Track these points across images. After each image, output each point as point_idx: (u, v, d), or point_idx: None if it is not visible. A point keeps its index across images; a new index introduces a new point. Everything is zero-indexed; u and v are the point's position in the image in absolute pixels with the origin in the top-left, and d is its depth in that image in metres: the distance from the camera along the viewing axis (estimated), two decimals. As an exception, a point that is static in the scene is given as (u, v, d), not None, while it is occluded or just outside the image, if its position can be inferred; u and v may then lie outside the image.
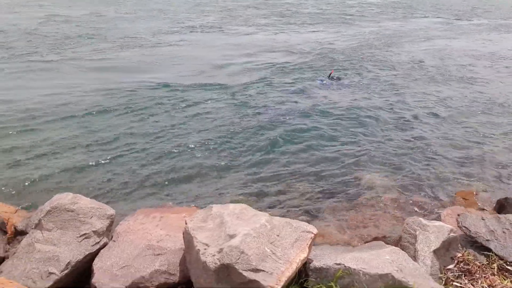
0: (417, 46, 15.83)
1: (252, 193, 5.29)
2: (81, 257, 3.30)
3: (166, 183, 5.50)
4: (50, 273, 3.15)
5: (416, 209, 4.85)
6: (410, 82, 10.65)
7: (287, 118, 7.80)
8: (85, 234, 3.46)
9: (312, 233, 2.93)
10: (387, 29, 20.25)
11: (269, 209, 4.82)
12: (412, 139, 7.02)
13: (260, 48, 14.90)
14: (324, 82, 10.27)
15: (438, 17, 26.43)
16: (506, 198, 4.72)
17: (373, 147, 6.66)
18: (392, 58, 13.58)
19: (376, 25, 21.79)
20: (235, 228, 2.83)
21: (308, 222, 4.55)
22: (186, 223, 3.16)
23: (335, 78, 10.53)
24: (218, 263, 2.55)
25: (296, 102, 8.83)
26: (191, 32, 18.20)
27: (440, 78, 11.11)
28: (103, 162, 5.96)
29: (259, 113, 8.08)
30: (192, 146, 6.55)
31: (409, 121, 7.89)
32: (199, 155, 6.26)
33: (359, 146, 6.72)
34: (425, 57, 13.72)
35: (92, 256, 3.36)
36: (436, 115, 8.19)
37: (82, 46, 14.28)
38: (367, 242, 3.74)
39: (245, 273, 2.48)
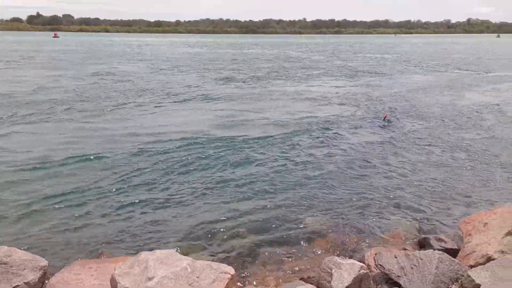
0: (447, 97, 17.87)
1: (196, 239, 5.51)
2: (10, 308, 3.39)
3: (125, 232, 5.67)
4: (-22, 325, 3.22)
5: (346, 250, 5.17)
6: (433, 130, 11.71)
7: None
8: (16, 286, 3.57)
9: (229, 273, 3.19)
10: (415, 82, 23.10)
11: (209, 254, 5.05)
12: (364, 184, 7.55)
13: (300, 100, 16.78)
14: (379, 124, 12.47)
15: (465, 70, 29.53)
16: (425, 238, 5.15)
17: (323, 191, 7.12)
18: (422, 108, 15.20)
19: (404, 78, 24.94)
20: (156, 272, 3.06)
21: (246, 267, 4.83)
22: (114, 270, 3.35)
23: (387, 120, 12.80)
24: (134, 304, 2.75)
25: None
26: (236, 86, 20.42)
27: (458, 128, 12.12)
28: (55, 212, 6.13)
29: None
30: (154, 194, 6.84)
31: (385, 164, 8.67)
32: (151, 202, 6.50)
33: (311, 190, 7.21)
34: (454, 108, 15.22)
35: (23, 307, 3.46)
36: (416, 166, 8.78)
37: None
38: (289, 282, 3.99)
39: (158, 312, 2.69)
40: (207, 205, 6.56)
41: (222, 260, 4.62)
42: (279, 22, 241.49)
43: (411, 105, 15.84)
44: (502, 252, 3.82)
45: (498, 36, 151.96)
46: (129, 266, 3.37)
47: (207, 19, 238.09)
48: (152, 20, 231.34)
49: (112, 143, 9.96)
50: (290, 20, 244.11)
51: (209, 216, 6.17)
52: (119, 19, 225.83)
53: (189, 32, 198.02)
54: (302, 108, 15.17)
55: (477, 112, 14.49)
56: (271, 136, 10.75)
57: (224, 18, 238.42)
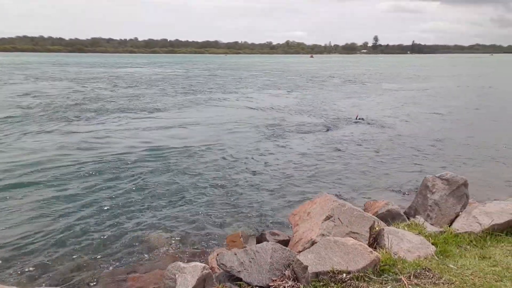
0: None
1: (22, 267, 4.93)
2: None
3: None
4: None
5: (189, 257, 5.26)
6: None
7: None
8: None
9: (63, 296, 2.93)
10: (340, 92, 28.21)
11: (39, 281, 4.55)
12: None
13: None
14: (353, 120, 15.90)
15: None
16: (261, 234, 5.58)
17: (164, 203, 7.14)
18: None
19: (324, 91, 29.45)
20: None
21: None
22: None
23: (359, 119, 15.93)
24: None
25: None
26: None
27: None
28: None
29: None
30: None
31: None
32: None
33: (152, 203, 7.16)
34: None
35: None
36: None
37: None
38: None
39: None
40: (36, 228, 5.96)
41: (55, 286, 4.21)
42: (109, 40, 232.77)
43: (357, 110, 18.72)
44: (323, 235, 4.39)
45: (312, 56, 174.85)
46: None
47: (25, 36, 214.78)
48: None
49: None
50: (121, 39, 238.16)
51: (39, 239, 5.62)
52: None
53: (3, 51, 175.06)
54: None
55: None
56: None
57: (45, 36, 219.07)
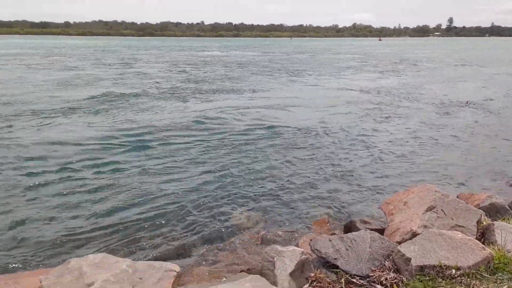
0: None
1: (127, 241, 5.20)
2: None
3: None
4: None
5: (278, 239, 5.24)
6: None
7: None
8: None
9: (175, 271, 3.01)
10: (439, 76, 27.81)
11: (145, 255, 4.80)
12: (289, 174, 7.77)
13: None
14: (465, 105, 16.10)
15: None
16: (351, 221, 5.42)
17: (251, 185, 7.23)
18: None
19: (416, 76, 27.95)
20: (94, 277, 2.78)
21: (186, 265, 4.65)
22: (40, 282, 2.97)
23: (469, 103, 16.37)
24: (75, 315, 2.46)
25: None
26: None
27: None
28: None
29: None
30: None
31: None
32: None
33: (238, 184, 7.26)
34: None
35: None
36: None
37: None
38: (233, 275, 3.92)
39: (104, 320, 2.43)
40: (133, 206, 6.24)
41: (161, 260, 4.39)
42: (177, 24, 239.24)
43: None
44: (425, 226, 4.15)
45: (380, 39, 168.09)
46: (58, 275, 3.01)
47: (100, 21, 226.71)
48: (36, 21, 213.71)
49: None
50: (188, 23, 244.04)
51: (139, 217, 5.87)
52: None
53: (81, 35, 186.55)
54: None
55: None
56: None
57: (119, 20, 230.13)
